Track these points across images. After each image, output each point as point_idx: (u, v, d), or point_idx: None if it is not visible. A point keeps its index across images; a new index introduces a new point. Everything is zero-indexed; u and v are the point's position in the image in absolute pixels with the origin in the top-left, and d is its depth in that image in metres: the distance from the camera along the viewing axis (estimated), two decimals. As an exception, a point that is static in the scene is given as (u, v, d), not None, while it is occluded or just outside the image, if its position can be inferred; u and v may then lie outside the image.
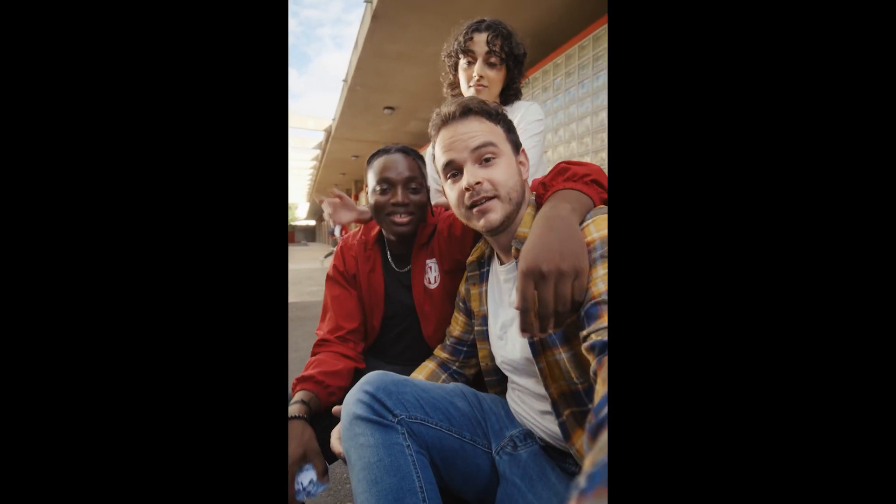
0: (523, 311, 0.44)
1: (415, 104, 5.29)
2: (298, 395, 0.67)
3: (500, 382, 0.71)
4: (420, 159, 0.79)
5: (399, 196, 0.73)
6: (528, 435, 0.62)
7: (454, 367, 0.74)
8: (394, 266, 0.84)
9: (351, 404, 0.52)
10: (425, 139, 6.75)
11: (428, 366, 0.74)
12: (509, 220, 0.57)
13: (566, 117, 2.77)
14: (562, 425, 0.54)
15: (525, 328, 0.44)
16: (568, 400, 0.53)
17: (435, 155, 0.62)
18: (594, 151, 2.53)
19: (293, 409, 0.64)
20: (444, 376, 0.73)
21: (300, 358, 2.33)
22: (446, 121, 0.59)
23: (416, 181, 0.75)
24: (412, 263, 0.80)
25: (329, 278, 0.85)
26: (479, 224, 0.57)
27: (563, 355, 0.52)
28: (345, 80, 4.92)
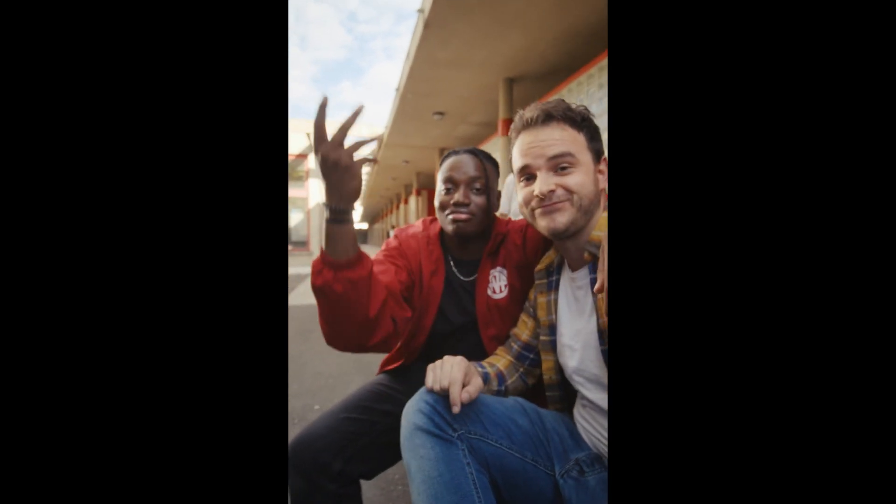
0: (603, 272, 0.41)
1: (464, 108, 5.31)
2: None
3: (562, 399, 0.67)
4: (491, 162, 0.77)
5: (460, 195, 0.72)
6: (596, 459, 0.58)
7: (520, 371, 0.71)
8: (458, 274, 0.81)
9: (412, 413, 0.52)
10: (474, 142, 6.75)
11: (506, 357, 0.71)
12: (575, 227, 0.56)
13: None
14: None
15: (601, 290, 0.42)
16: None
17: (512, 156, 0.61)
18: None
19: None
20: (514, 376, 0.69)
21: (339, 362, 2.42)
22: (527, 125, 0.58)
23: (480, 181, 0.72)
24: (479, 272, 0.78)
25: (383, 254, 0.79)
26: (543, 225, 0.56)
27: None
28: (397, 89, 5.07)
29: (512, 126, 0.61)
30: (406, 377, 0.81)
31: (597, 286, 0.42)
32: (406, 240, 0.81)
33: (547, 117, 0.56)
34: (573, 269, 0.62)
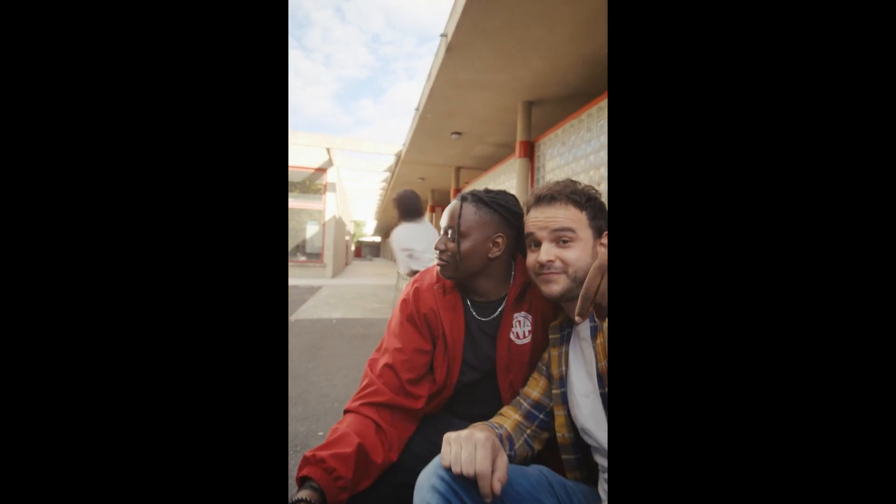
0: (585, 296, 0.44)
1: (482, 129, 5.35)
2: (307, 483, 0.57)
3: (580, 464, 0.62)
4: (481, 204, 0.76)
5: (438, 242, 0.77)
6: None
7: (527, 433, 0.67)
8: (475, 314, 0.78)
9: (426, 491, 0.46)
10: (490, 162, 6.77)
11: (513, 416, 0.67)
12: (570, 294, 0.63)
13: (570, 171, 3.64)
14: None
15: (581, 313, 0.45)
16: None
17: (525, 224, 0.70)
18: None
19: (302, 492, 0.55)
20: (520, 440, 0.66)
21: (346, 383, 2.36)
22: (537, 202, 0.67)
23: (452, 230, 0.76)
24: (503, 317, 0.76)
25: (404, 317, 0.78)
26: (542, 290, 0.64)
27: None
28: (417, 109, 5.15)
29: (525, 201, 0.70)
30: (423, 424, 0.76)
31: (577, 310, 0.45)
32: (422, 296, 0.79)
33: (551, 198, 0.66)
34: (577, 322, 0.65)
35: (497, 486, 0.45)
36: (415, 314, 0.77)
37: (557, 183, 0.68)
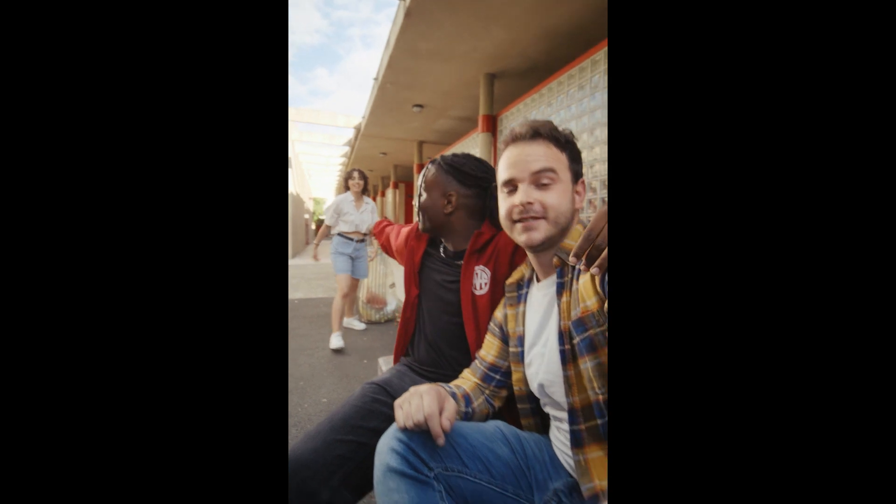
0: (587, 237, 0.44)
1: (444, 102, 5.23)
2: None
3: (534, 412, 0.66)
4: (440, 166, 0.89)
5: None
6: (574, 488, 0.56)
7: (486, 393, 0.71)
8: (444, 256, 0.91)
9: (385, 453, 0.48)
10: (453, 136, 6.68)
11: (472, 379, 0.71)
12: (550, 242, 0.60)
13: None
14: (576, 433, 0.52)
15: (577, 254, 0.45)
16: (586, 412, 0.51)
17: (498, 167, 0.66)
18: (588, 164, 2.44)
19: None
20: (480, 398, 0.69)
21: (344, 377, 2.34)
22: (516, 139, 0.62)
23: (419, 188, 0.92)
24: (463, 266, 0.84)
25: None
26: (521, 239, 0.60)
27: (588, 364, 0.51)
28: (375, 79, 4.92)
29: (501, 139, 0.65)
30: (391, 387, 0.81)
31: (593, 266, 0.44)
32: (403, 233, 1.05)
33: (534, 134, 0.60)
34: (542, 278, 0.65)
35: (446, 424, 0.48)
36: (401, 245, 1.02)
37: (536, 120, 0.62)
